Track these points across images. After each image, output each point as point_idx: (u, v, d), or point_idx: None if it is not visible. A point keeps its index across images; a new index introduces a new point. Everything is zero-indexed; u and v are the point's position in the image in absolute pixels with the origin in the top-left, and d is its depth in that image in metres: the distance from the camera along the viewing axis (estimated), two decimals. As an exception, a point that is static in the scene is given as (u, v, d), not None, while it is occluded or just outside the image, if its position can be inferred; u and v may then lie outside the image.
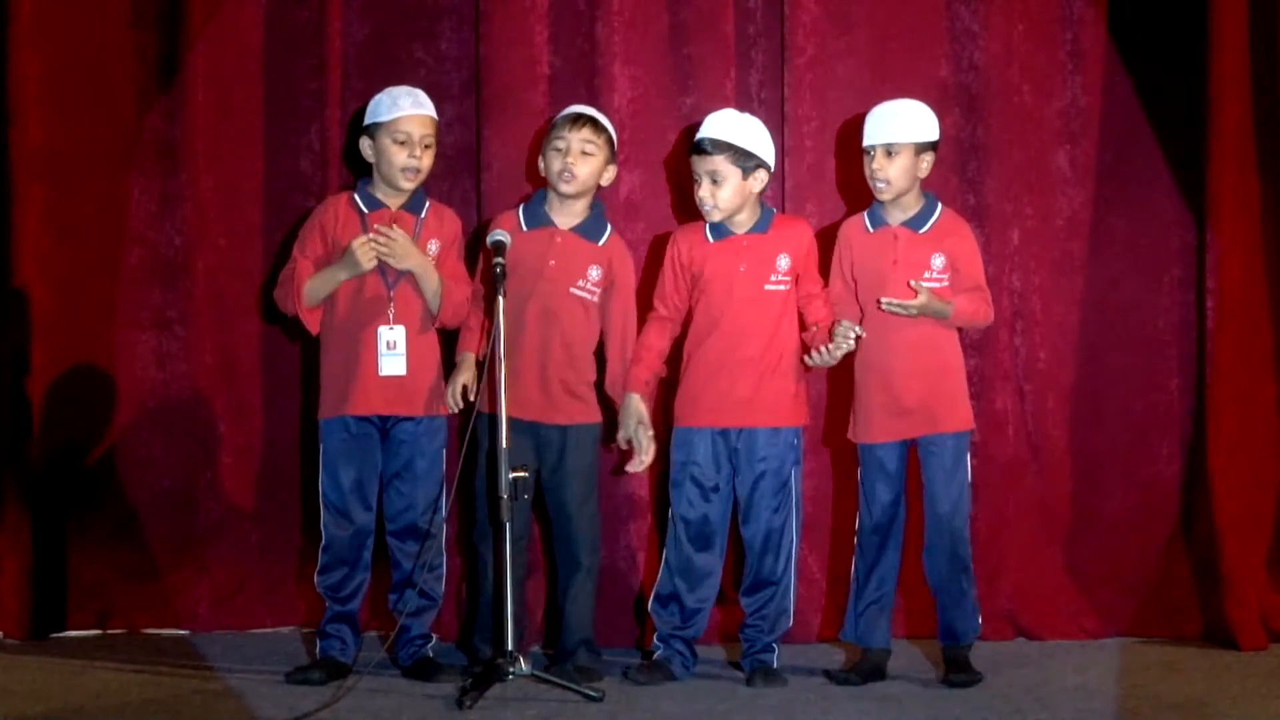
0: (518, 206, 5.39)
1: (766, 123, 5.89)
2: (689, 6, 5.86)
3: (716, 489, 5.22)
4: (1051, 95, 5.91)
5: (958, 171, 5.85)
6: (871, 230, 5.20)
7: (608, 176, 5.32)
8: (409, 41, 5.97)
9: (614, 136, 5.33)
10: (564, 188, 5.24)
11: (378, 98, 5.23)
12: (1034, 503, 5.94)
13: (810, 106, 5.81)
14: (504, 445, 4.90)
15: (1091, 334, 5.98)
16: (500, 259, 5.00)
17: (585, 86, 5.83)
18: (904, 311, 5.03)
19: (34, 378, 5.91)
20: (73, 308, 5.96)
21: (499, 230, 5.15)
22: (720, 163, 5.14)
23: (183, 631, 5.94)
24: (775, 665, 5.23)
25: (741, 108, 5.86)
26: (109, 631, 5.95)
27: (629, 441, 5.26)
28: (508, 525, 4.91)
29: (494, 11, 5.78)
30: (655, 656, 5.25)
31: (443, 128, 5.91)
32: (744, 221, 5.22)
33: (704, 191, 5.17)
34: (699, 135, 5.19)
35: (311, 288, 5.17)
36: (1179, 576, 5.88)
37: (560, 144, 5.24)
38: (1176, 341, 5.95)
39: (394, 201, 5.23)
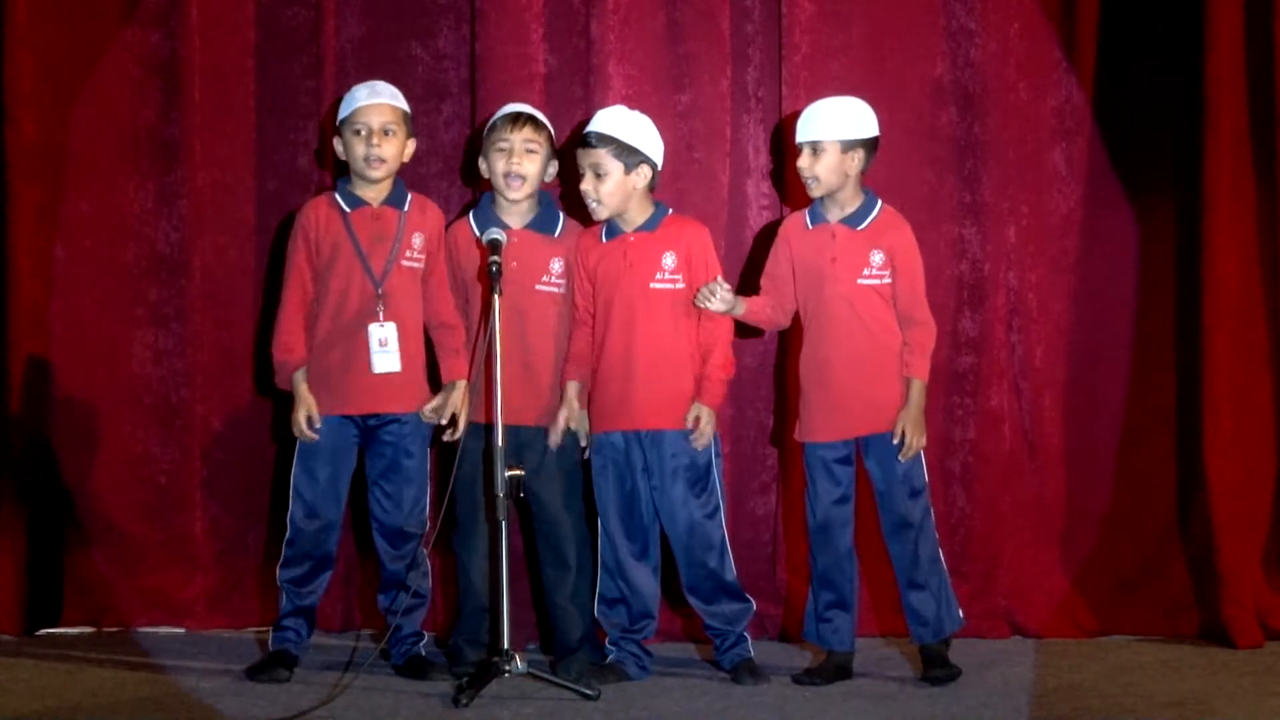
0: (467, 214, 5.39)
1: (763, 120, 5.94)
2: (686, 4, 5.87)
3: (637, 489, 5.21)
4: (1047, 93, 5.91)
5: (954, 169, 5.85)
6: (810, 227, 5.20)
7: (551, 172, 5.32)
8: (406, 39, 5.96)
9: (553, 132, 5.33)
10: (512, 193, 5.24)
11: (345, 95, 5.26)
12: (1030, 500, 5.94)
13: (804, 104, 5.78)
14: (499, 444, 4.90)
15: (1088, 331, 5.98)
16: (496, 257, 4.99)
17: (581, 84, 5.84)
18: (910, 453, 5.10)
19: (30, 374, 5.90)
20: (69, 304, 5.97)
21: (495, 229, 5.14)
22: (603, 156, 5.14)
23: (178, 629, 5.94)
24: (752, 655, 5.23)
25: (738, 105, 5.88)
26: (104, 629, 5.94)
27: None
28: (503, 524, 4.91)
29: (490, 9, 5.78)
30: (609, 659, 5.24)
31: (441, 125, 5.94)
32: (634, 219, 5.22)
33: (586, 185, 5.17)
34: (586, 129, 5.20)
35: (289, 379, 5.20)
36: (1175, 574, 5.88)
37: (504, 145, 5.23)
38: (1173, 339, 5.95)
39: (374, 196, 5.23)
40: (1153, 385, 5.96)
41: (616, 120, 5.18)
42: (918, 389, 5.10)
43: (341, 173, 5.37)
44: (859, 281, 5.10)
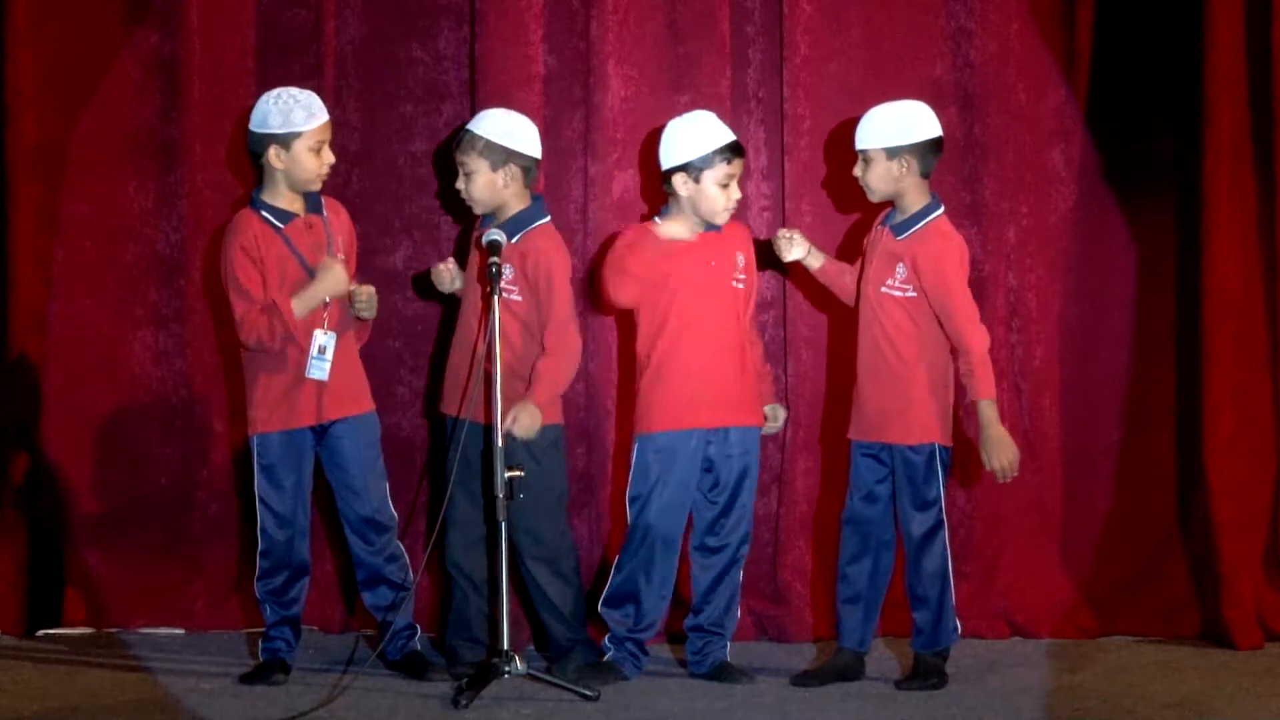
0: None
1: (763, 121, 5.93)
2: (685, 5, 5.85)
3: (695, 489, 5.22)
4: (1046, 93, 5.91)
5: (954, 170, 5.84)
6: (879, 225, 5.21)
7: (507, 179, 5.18)
8: (406, 41, 5.95)
9: (493, 139, 5.17)
10: (474, 210, 5.26)
11: (282, 106, 5.12)
12: (1030, 500, 5.93)
13: (805, 105, 5.80)
14: (499, 445, 4.89)
15: (1088, 331, 5.98)
16: (495, 259, 4.98)
17: (580, 85, 5.83)
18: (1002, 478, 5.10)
19: (30, 375, 5.90)
20: (69, 305, 5.96)
21: (493, 230, 5.14)
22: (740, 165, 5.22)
23: (178, 630, 5.94)
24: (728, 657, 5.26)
25: (738, 106, 5.88)
26: (104, 629, 5.94)
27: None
28: (502, 525, 4.91)
29: (490, 10, 5.77)
30: (606, 658, 5.23)
31: (441, 126, 5.94)
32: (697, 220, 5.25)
33: (735, 193, 5.19)
34: (733, 140, 5.20)
35: (299, 311, 5.11)
36: (1175, 575, 5.87)
37: None
38: (1173, 339, 5.95)
39: (297, 207, 5.20)
40: (1153, 385, 5.96)
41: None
42: (982, 409, 5.04)
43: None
44: (881, 290, 5.10)
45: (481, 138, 5.18)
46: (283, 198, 5.20)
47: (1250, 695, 5.02)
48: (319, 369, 5.16)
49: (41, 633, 5.90)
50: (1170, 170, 5.93)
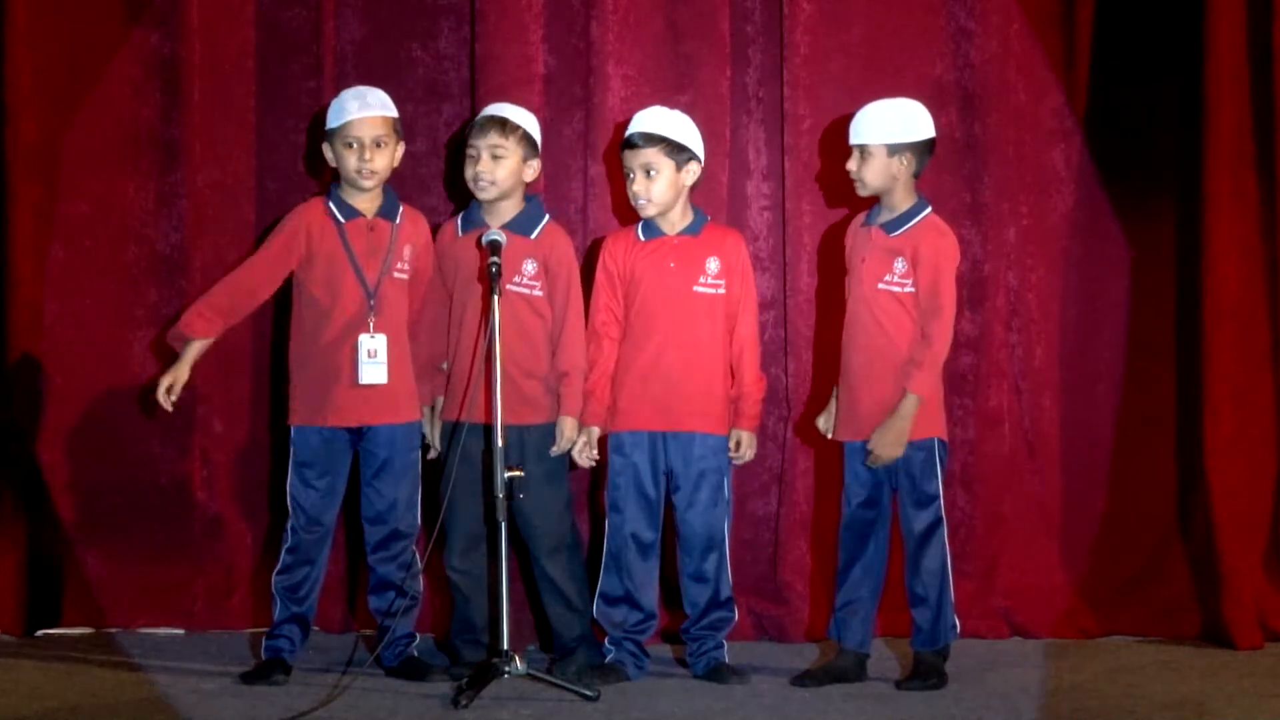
0: (456, 215, 5.37)
1: (763, 121, 5.93)
2: (685, 5, 5.86)
3: (658, 489, 5.22)
4: (1047, 94, 5.91)
5: (954, 170, 5.85)
6: (863, 225, 5.20)
7: (529, 173, 5.26)
8: (406, 41, 5.96)
9: (530, 131, 5.24)
10: (482, 194, 5.22)
11: (336, 102, 5.19)
12: (1030, 501, 5.94)
13: (805, 105, 5.80)
14: (499, 445, 4.89)
15: (1088, 332, 5.98)
16: (496, 258, 4.98)
17: (580, 85, 5.83)
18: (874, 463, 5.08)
19: (30, 374, 5.91)
20: (69, 305, 5.96)
21: (494, 230, 5.14)
22: (654, 155, 5.15)
23: (178, 630, 5.94)
24: (726, 658, 5.25)
25: (737, 106, 5.89)
26: (104, 629, 5.94)
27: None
28: (502, 525, 4.91)
29: (490, 10, 5.77)
30: (608, 660, 5.23)
31: (441, 126, 5.94)
32: (676, 222, 5.23)
33: (638, 186, 5.16)
34: (629, 132, 5.19)
35: (171, 336, 5.17)
36: (1176, 575, 5.87)
37: (472, 152, 5.21)
38: (1173, 339, 5.95)
39: (367, 207, 5.20)
40: (1153, 385, 5.96)
41: (661, 119, 5.19)
42: (908, 400, 5.01)
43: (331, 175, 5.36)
44: (879, 286, 5.09)
45: (521, 127, 5.22)
46: (351, 194, 5.21)
47: (1250, 695, 5.02)
48: (372, 373, 5.15)
49: (41, 633, 5.90)
50: (1170, 170, 5.93)
